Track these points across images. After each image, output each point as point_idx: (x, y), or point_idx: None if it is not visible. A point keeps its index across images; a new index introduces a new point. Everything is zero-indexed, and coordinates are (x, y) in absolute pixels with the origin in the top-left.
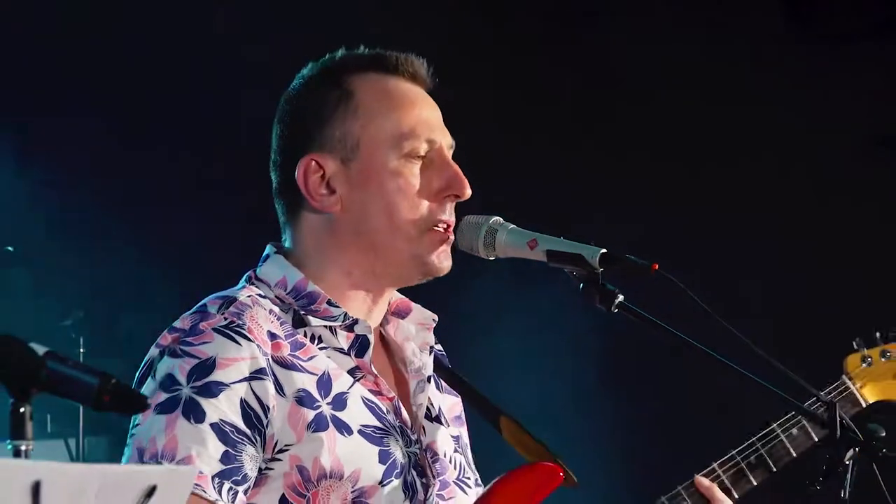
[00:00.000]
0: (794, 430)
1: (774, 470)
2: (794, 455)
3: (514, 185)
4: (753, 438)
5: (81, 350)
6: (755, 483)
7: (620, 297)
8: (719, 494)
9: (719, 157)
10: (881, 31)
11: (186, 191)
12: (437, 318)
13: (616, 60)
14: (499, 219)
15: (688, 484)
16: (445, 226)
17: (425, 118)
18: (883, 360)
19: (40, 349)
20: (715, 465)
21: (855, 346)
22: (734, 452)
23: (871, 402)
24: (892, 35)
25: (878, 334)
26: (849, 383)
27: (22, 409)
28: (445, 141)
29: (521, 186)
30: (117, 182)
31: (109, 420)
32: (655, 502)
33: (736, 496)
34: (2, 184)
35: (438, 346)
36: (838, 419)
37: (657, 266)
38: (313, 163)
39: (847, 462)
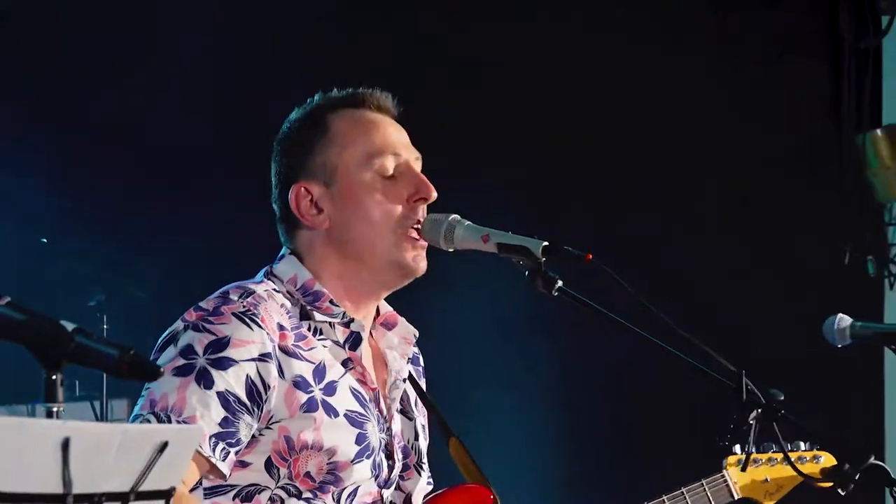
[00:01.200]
0: (718, 488)
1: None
2: (731, 498)
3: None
4: (683, 489)
5: (105, 326)
6: None
7: (560, 283)
8: None
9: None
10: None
11: (205, 178)
12: (417, 334)
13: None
14: (457, 216)
15: None
16: (419, 224)
17: (391, 139)
18: (753, 466)
19: (69, 326)
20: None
21: (735, 451)
22: (665, 497)
23: (738, 496)
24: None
25: (753, 449)
26: (727, 476)
27: (54, 377)
28: (411, 155)
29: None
30: (139, 169)
31: (129, 385)
32: None
33: None
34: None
35: (421, 361)
36: (744, 385)
37: (591, 256)
38: (302, 189)
39: (751, 422)
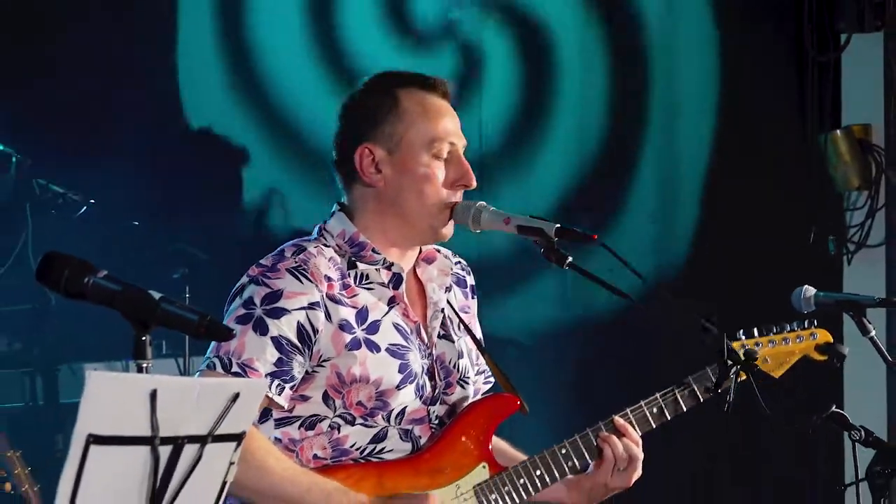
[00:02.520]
0: (686, 393)
1: (668, 418)
2: (684, 409)
3: None
4: (657, 394)
5: (187, 296)
6: (654, 425)
7: (570, 258)
8: (631, 431)
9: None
10: None
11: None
12: (453, 265)
13: None
14: (483, 203)
15: (607, 421)
16: (455, 205)
17: (450, 128)
18: (756, 348)
19: (156, 294)
20: (628, 409)
21: (737, 336)
22: (642, 402)
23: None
24: None
25: (755, 331)
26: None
27: (143, 338)
28: (461, 143)
29: None
30: (217, 149)
31: (207, 344)
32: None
33: (638, 432)
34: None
35: (468, 281)
36: (725, 345)
37: (595, 237)
38: (367, 150)
39: (731, 376)
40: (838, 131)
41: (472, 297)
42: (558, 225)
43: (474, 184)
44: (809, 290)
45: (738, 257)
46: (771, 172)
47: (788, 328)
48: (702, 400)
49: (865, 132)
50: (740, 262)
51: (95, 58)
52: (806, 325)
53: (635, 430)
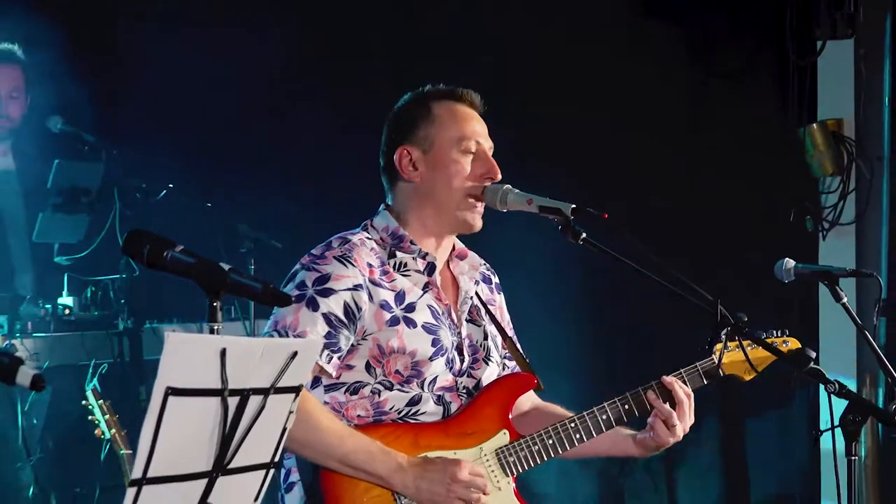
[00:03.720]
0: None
1: (706, 382)
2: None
3: None
4: (696, 363)
5: (252, 267)
6: (691, 388)
7: (584, 235)
8: (679, 387)
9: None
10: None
11: (334, 142)
12: (482, 262)
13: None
14: (509, 186)
15: (657, 381)
16: (482, 192)
17: (476, 130)
18: (736, 350)
19: (226, 266)
20: (672, 374)
21: (720, 338)
22: (681, 370)
23: (726, 374)
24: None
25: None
26: (715, 359)
27: (214, 303)
28: (487, 144)
29: None
30: (280, 130)
31: (269, 309)
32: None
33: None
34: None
35: (493, 279)
36: (719, 310)
37: (606, 215)
38: (405, 151)
39: (723, 337)
40: (815, 125)
41: (499, 293)
42: (574, 205)
43: (499, 177)
44: (790, 262)
45: (728, 233)
46: (756, 160)
47: (765, 335)
48: (705, 382)
49: (838, 125)
50: (730, 237)
51: (174, 55)
52: (779, 334)
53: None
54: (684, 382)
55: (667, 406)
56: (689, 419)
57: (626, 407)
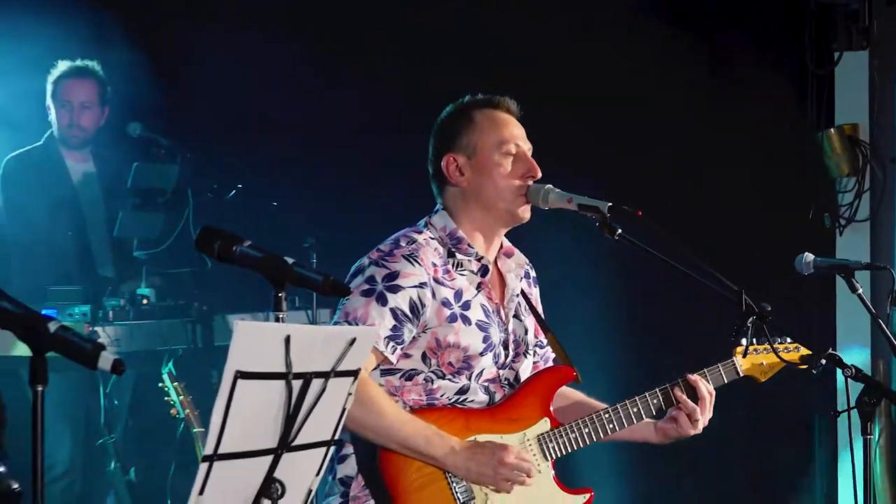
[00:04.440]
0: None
1: (726, 381)
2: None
3: None
4: (704, 370)
5: (314, 261)
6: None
7: (620, 231)
8: (703, 384)
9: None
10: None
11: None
12: (528, 262)
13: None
14: (551, 186)
15: (680, 380)
16: (526, 190)
17: (515, 133)
18: (753, 354)
19: (290, 260)
20: (696, 373)
21: (746, 326)
22: (705, 370)
23: (744, 374)
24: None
25: (753, 340)
26: (735, 361)
27: (280, 294)
28: (526, 146)
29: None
30: (341, 129)
31: (330, 299)
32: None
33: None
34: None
35: (532, 273)
36: (744, 300)
37: (640, 212)
38: (451, 158)
39: (748, 325)
40: (832, 129)
41: (535, 287)
42: (610, 203)
43: (539, 175)
44: (809, 256)
45: (751, 230)
46: (779, 162)
47: (779, 342)
48: (726, 381)
49: (854, 130)
50: (753, 233)
51: (242, 63)
52: (791, 341)
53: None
54: (707, 381)
55: (691, 402)
56: (709, 414)
57: (655, 401)
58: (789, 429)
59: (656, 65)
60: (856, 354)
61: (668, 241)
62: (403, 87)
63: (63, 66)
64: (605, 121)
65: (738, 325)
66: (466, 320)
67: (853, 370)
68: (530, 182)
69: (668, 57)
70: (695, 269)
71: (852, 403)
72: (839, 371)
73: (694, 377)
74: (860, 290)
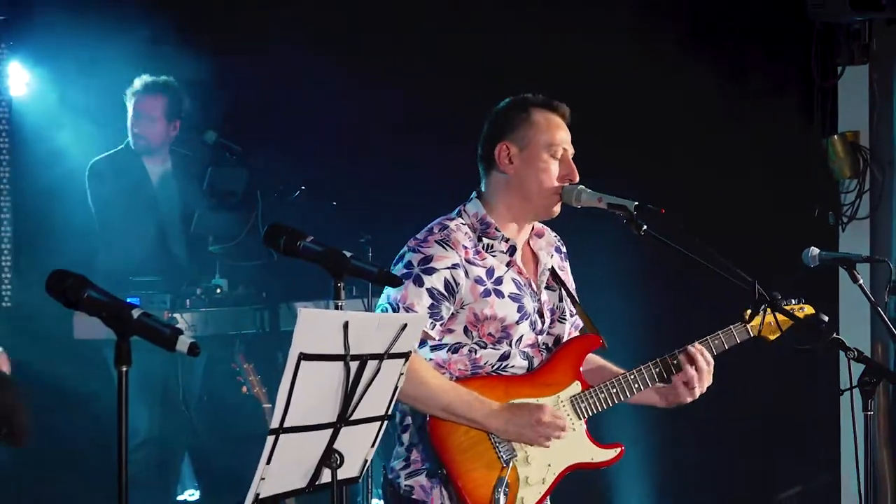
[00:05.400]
0: (734, 332)
1: (726, 348)
2: (737, 342)
3: None
4: (718, 332)
5: (370, 254)
6: (715, 353)
7: (645, 226)
8: (701, 356)
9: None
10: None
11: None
12: (559, 238)
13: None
14: (583, 186)
15: (681, 349)
16: (562, 190)
17: (563, 138)
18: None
19: (348, 253)
20: (696, 342)
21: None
22: (707, 337)
23: (754, 335)
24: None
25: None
26: (746, 325)
27: (339, 284)
28: (571, 151)
29: None
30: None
31: (384, 288)
32: (666, 355)
33: (710, 358)
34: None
35: (563, 249)
36: (757, 289)
37: (663, 210)
38: (505, 145)
39: (761, 310)
40: (835, 136)
41: (566, 261)
42: (636, 202)
43: (577, 179)
44: (815, 250)
45: (762, 227)
46: (788, 165)
47: (786, 303)
48: (738, 341)
49: (855, 136)
50: (764, 230)
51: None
52: (797, 301)
53: (704, 353)
54: (709, 350)
55: (691, 370)
56: (707, 382)
57: (670, 364)
58: (800, 405)
59: (678, 78)
60: (857, 339)
61: (688, 236)
62: (447, 92)
63: (142, 80)
64: (632, 128)
65: (753, 309)
66: (500, 294)
67: (855, 353)
68: (567, 184)
69: (689, 71)
70: (711, 261)
71: (854, 383)
72: (842, 353)
73: (694, 349)
74: (861, 281)
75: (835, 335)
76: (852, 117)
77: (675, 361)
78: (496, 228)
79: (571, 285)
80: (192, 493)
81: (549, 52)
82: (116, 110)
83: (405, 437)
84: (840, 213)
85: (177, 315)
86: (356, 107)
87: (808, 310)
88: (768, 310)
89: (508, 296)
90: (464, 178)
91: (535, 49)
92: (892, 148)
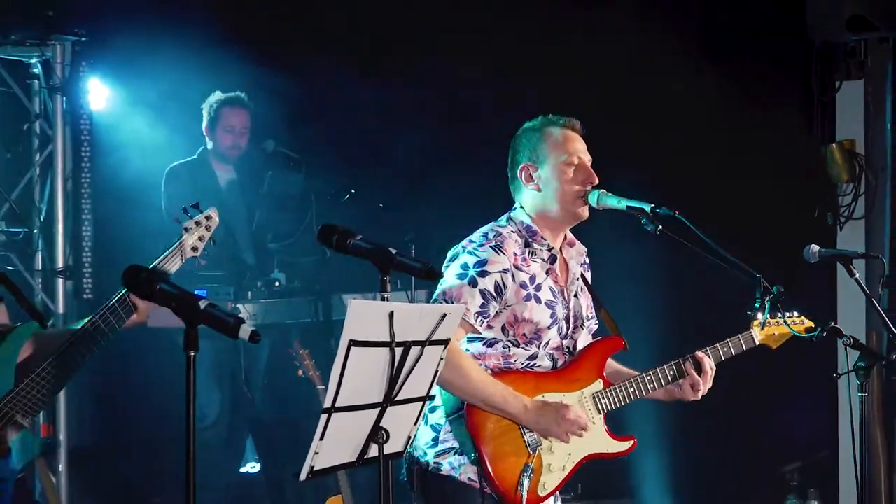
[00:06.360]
0: (747, 338)
1: (733, 354)
2: (743, 350)
3: None
4: (727, 340)
5: (413, 251)
6: (723, 358)
7: (661, 227)
8: (706, 362)
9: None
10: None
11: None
12: (586, 250)
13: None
14: (604, 190)
15: (690, 355)
16: (586, 194)
17: (578, 148)
18: (768, 326)
19: (393, 250)
20: (707, 348)
21: (763, 304)
22: (717, 344)
23: (759, 343)
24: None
25: (768, 316)
26: (752, 333)
27: (385, 278)
28: (586, 158)
29: None
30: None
31: (427, 283)
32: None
33: (713, 363)
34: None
35: (586, 260)
36: (762, 283)
37: (676, 212)
38: (526, 167)
39: (766, 302)
40: (834, 144)
41: (588, 271)
42: (653, 205)
43: (596, 181)
44: (815, 247)
45: (766, 227)
46: (790, 170)
47: (788, 315)
48: (745, 349)
49: (852, 145)
50: (767, 230)
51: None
52: (797, 315)
53: (710, 359)
54: (717, 356)
55: (696, 374)
56: (708, 385)
57: (682, 367)
58: (801, 387)
59: (691, 90)
60: (853, 328)
61: (699, 235)
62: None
63: (220, 95)
64: (647, 136)
65: (760, 303)
66: (538, 300)
67: (851, 340)
68: (588, 187)
69: (700, 84)
70: (720, 258)
71: (850, 367)
72: (840, 341)
73: (700, 354)
74: (857, 275)
75: (833, 324)
76: (849, 127)
77: (685, 366)
78: (542, 237)
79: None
80: (253, 466)
81: (572, 65)
82: (185, 120)
83: (432, 418)
84: (838, 214)
85: (239, 305)
86: (400, 119)
87: (808, 323)
88: (772, 323)
89: (545, 302)
90: (497, 182)
91: (556, 58)
92: (885, 155)
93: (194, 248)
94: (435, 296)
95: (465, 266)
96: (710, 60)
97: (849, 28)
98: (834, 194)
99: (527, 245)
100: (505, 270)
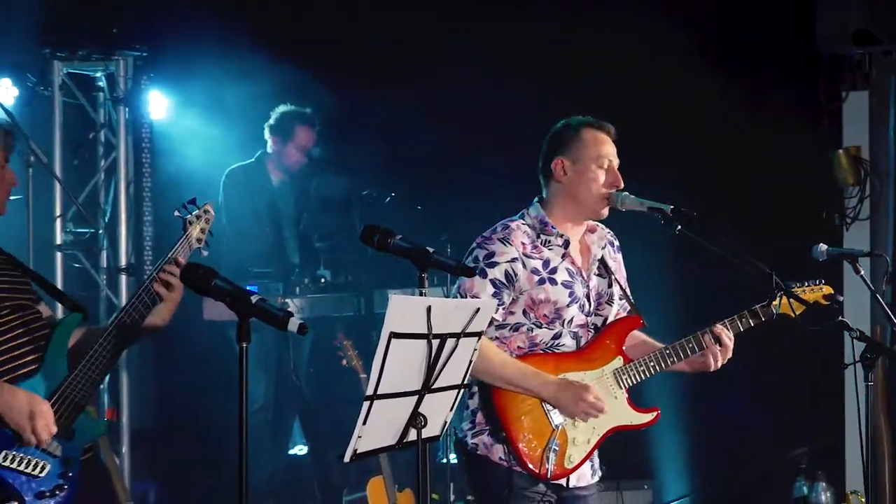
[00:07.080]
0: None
1: (752, 324)
2: (761, 320)
3: None
4: (745, 311)
5: (448, 250)
6: (742, 329)
7: (679, 227)
8: (725, 334)
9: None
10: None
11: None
12: (608, 232)
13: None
14: (627, 192)
15: (709, 328)
16: (609, 195)
17: (609, 151)
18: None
19: (430, 249)
20: (726, 320)
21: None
22: (735, 315)
23: (778, 312)
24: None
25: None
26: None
27: (423, 275)
28: (616, 161)
29: None
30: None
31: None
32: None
33: (731, 335)
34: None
35: (615, 243)
36: (774, 279)
37: (695, 213)
38: (561, 161)
39: (777, 297)
40: (840, 150)
41: (618, 253)
42: (672, 206)
43: (622, 185)
44: (823, 247)
45: (778, 228)
46: (799, 174)
47: (808, 283)
48: (763, 319)
49: (857, 151)
50: (779, 231)
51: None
52: (818, 282)
53: (729, 330)
54: (735, 327)
55: (715, 346)
56: (728, 355)
57: (698, 342)
58: (810, 377)
59: (706, 100)
60: (859, 321)
61: (716, 234)
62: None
63: (292, 108)
64: (664, 143)
65: (770, 298)
66: (553, 281)
67: (857, 333)
68: (614, 190)
69: (716, 95)
70: (735, 256)
71: (857, 358)
72: (846, 333)
73: (719, 327)
74: (862, 273)
75: (841, 318)
76: (854, 134)
77: (703, 338)
78: (552, 227)
79: (623, 274)
80: (301, 449)
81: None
82: (240, 127)
83: (471, 403)
84: (844, 215)
85: (288, 300)
86: (433, 127)
87: (827, 289)
88: (791, 302)
89: (561, 283)
90: (526, 184)
91: (582, 69)
92: (889, 160)
93: (199, 240)
94: (453, 293)
95: (475, 260)
96: (723, 71)
97: (855, 42)
98: (841, 197)
99: (538, 235)
100: (514, 259)
